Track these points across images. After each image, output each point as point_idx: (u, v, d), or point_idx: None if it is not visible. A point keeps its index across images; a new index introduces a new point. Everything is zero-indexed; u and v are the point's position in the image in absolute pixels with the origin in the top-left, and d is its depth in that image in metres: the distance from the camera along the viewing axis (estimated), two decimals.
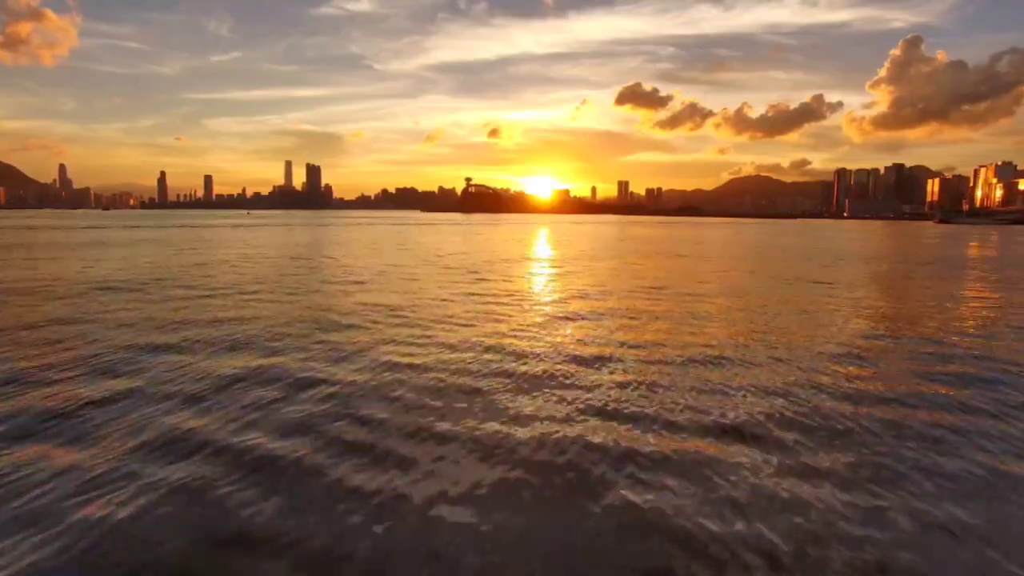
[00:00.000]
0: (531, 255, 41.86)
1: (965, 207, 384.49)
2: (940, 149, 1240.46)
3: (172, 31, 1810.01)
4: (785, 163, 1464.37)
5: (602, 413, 8.64)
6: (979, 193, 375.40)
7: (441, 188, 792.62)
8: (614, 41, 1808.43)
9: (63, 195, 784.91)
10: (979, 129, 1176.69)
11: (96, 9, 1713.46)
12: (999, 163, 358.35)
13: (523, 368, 10.97)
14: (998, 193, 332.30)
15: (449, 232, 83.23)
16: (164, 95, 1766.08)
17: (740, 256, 42.92)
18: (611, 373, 10.78)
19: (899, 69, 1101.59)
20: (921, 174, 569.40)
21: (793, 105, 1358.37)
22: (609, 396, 9.40)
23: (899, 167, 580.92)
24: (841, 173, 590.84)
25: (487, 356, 11.85)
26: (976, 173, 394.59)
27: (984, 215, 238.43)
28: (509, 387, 9.82)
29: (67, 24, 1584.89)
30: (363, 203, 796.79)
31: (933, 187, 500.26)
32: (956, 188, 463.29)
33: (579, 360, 11.63)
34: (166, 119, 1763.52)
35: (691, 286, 23.92)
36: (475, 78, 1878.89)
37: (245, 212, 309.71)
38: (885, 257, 44.03)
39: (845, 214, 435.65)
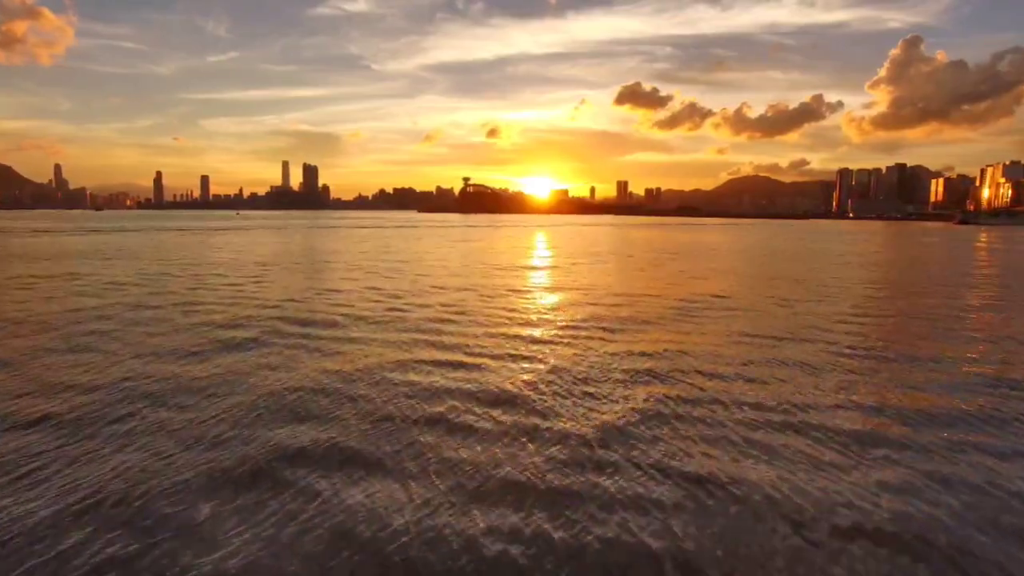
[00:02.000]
0: (557, 284, 28.55)
1: (970, 207, 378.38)
2: (938, 149, 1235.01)
3: (169, 31, 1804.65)
4: (783, 163, 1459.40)
5: None
6: (986, 193, 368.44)
7: (439, 188, 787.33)
8: (612, 41, 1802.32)
9: (58, 195, 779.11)
10: (978, 129, 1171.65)
11: (92, 9, 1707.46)
12: (1007, 163, 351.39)
13: None
14: (1008, 193, 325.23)
15: (444, 237, 75.95)
16: (161, 95, 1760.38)
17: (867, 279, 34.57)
18: None
19: (899, 69, 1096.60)
20: (921, 174, 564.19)
21: (792, 105, 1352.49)
22: None
23: (901, 167, 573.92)
24: (843, 173, 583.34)
25: None
26: (983, 173, 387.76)
27: (1005, 215, 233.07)
28: None
29: (64, 23, 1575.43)
30: (360, 203, 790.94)
31: (937, 187, 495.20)
32: (960, 188, 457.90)
33: None
34: (163, 119, 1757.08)
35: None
36: (473, 78, 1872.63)
37: (234, 213, 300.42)
38: None
39: (851, 215, 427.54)
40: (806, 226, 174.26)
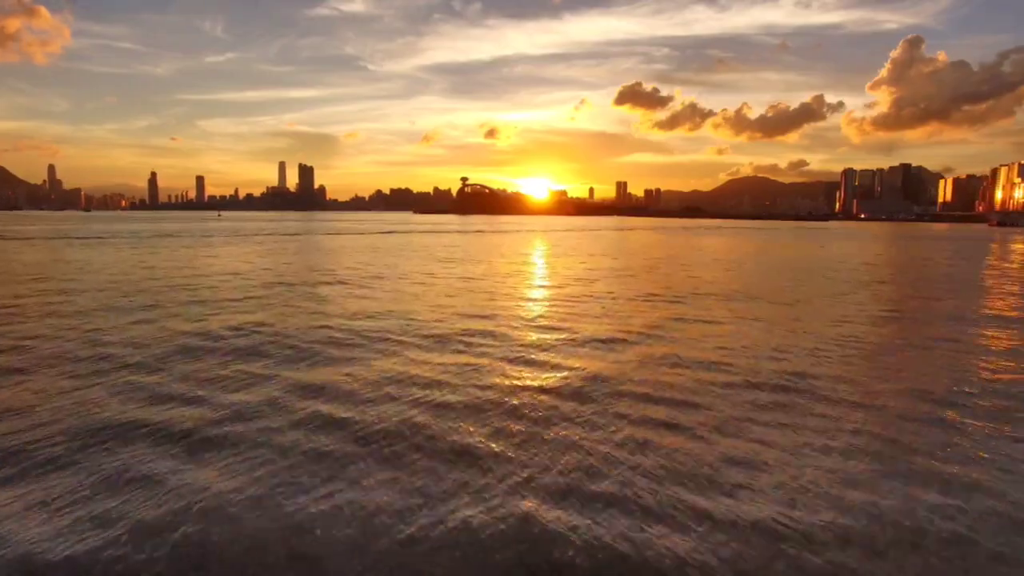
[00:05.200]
0: None
1: (979, 208, 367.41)
2: (936, 150, 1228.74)
3: (166, 31, 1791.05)
4: (782, 164, 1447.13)
5: None
6: (999, 194, 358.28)
7: (436, 189, 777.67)
8: (608, 42, 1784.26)
9: (52, 197, 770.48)
10: (977, 130, 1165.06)
11: (88, 9, 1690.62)
12: (1022, 162, 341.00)
13: None
14: None
15: (435, 254, 64.33)
16: (158, 96, 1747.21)
17: None
18: None
19: (900, 69, 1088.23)
20: (923, 174, 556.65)
21: (792, 106, 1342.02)
22: None
23: (905, 167, 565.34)
24: (847, 173, 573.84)
25: None
26: (995, 173, 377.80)
27: None
28: None
29: (60, 22, 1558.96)
30: (357, 204, 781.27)
31: (945, 187, 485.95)
32: (969, 189, 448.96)
33: None
34: (160, 120, 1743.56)
35: None
36: (470, 79, 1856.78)
37: (216, 214, 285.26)
38: None
39: (861, 216, 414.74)
40: (831, 229, 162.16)
